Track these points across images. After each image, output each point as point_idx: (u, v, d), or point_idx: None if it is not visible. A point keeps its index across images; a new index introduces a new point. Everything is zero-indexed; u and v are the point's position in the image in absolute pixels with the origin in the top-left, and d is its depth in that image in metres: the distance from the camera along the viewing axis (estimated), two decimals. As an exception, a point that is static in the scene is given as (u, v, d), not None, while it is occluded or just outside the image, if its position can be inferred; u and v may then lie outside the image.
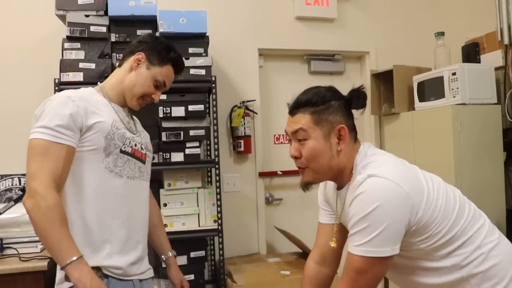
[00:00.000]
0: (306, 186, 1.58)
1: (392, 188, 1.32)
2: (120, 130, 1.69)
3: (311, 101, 1.50)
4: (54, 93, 2.68)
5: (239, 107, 3.39)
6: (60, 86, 2.66)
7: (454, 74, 3.01)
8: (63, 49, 2.76)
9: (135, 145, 1.75)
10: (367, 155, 1.49)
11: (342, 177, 1.53)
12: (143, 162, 1.80)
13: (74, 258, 1.45)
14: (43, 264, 2.36)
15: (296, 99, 1.54)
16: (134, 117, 1.94)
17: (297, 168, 1.58)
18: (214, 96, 2.97)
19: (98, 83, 1.82)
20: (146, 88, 1.76)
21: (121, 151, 1.68)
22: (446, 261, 1.43)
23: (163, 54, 1.78)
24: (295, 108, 1.53)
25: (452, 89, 3.02)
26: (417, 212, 1.36)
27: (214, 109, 2.98)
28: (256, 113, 3.50)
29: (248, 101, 3.45)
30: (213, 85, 2.93)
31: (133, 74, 1.76)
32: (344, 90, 1.56)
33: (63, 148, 1.53)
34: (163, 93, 2.76)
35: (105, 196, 1.64)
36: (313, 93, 1.53)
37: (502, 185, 3.07)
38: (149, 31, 2.86)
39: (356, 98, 1.55)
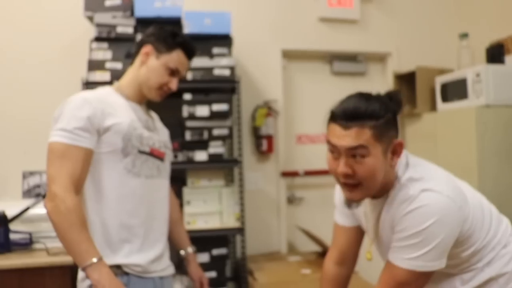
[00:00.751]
0: (354, 203, 1.43)
1: (447, 203, 1.30)
2: (138, 130, 1.70)
3: (375, 114, 1.29)
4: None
5: (262, 107, 3.42)
6: (87, 85, 2.73)
7: (478, 75, 2.99)
8: (90, 49, 2.83)
9: (153, 143, 1.76)
10: (409, 165, 1.41)
11: (382, 189, 1.42)
12: (162, 160, 1.81)
13: (94, 260, 1.48)
14: (70, 258, 2.37)
15: (353, 108, 1.29)
16: (153, 114, 1.95)
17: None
18: (238, 96, 3.01)
19: (115, 82, 1.84)
20: (160, 78, 1.76)
21: (139, 151, 1.69)
22: (478, 264, 1.45)
23: (169, 40, 1.78)
24: (352, 119, 1.29)
25: (476, 91, 3.00)
26: (465, 224, 1.36)
27: (238, 108, 3.02)
28: (279, 113, 3.53)
29: (271, 101, 3.48)
30: (237, 85, 2.97)
31: (145, 67, 1.77)
32: (366, 90, 1.46)
33: (81, 150, 1.56)
34: (187, 91, 2.86)
35: (124, 196, 1.66)
36: (377, 103, 1.31)
37: (526, 188, 3.03)
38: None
39: (395, 102, 1.37)
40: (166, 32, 1.79)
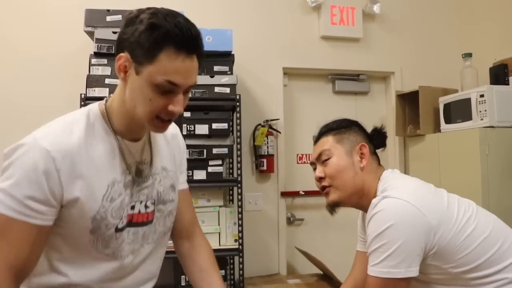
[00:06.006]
0: (332, 206, 1.58)
1: (405, 207, 1.33)
2: (116, 200, 1.21)
3: (333, 127, 1.63)
4: (80, 107, 2.72)
5: (263, 126, 3.38)
6: (86, 101, 2.69)
7: (482, 96, 2.96)
8: (90, 64, 2.80)
9: (140, 202, 1.29)
10: (388, 179, 1.50)
11: (367, 202, 1.49)
12: (150, 222, 1.33)
13: None
14: None
15: (321, 128, 1.67)
16: (157, 143, 1.39)
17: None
18: (238, 115, 2.96)
19: (105, 98, 1.28)
20: (149, 104, 1.13)
21: (117, 230, 1.22)
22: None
23: (146, 39, 1.09)
24: (319, 136, 1.66)
25: (480, 112, 2.96)
26: (435, 234, 1.34)
27: (238, 127, 2.97)
28: (280, 132, 3.49)
29: (271, 120, 3.44)
30: (238, 103, 2.93)
31: (127, 88, 1.16)
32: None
33: (31, 228, 1.10)
34: (187, 109, 2.70)
35: (89, 276, 1.22)
36: (335, 121, 1.66)
37: (531, 211, 2.98)
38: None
39: (377, 137, 1.66)
40: (142, 26, 1.10)
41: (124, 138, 1.26)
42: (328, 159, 1.57)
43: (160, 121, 1.18)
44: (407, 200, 1.33)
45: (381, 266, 1.32)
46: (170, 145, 1.46)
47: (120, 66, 1.15)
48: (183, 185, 1.55)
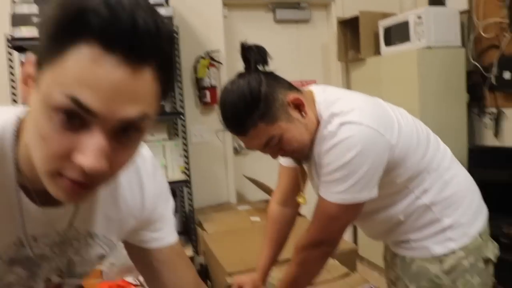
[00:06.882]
0: (304, 161, 1.48)
1: (367, 133, 1.27)
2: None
3: (252, 106, 1.29)
4: (6, 51, 2.58)
5: (204, 58, 3.34)
6: (13, 41, 2.55)
7: (419, 17, 3.00)
8: (13, 2, 2.64)
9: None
10: (327, 100, 1.39)
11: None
12: None
13: None
14: None
15: (231, 118, 1.32)
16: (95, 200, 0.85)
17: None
18: (177, 47, 2.91)
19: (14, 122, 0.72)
20: (42, 144, 0.61)
21: None
22: (416, 191, 1.43)
23: (55, 22, 0.58)
24: (243, 130, 1.31)
25: (418, 33, 3.02)
26: (394, 152, 1.33)
27: (178, 60, 2.93)
28: (222, 64, 3.46)
29: (213, 52, 3.40)
30: (176, 35, 2.87)
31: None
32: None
33: None
34: None
35: None
36: (244, 97, 1.30)
37: (465, 126, 3.15)
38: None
39: (259, 58, 1.39)
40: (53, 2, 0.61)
41: (34, 188, 0.72)
42: (279, 140, 1.33)
43: (66, 180, 0.62)
44: (367, 124, 1.27)
45: (346, 193, 1.30)
46: (124, 207, 0.91)
47: (24, 76, 0.66)
48: (159, 242, 1.00)
